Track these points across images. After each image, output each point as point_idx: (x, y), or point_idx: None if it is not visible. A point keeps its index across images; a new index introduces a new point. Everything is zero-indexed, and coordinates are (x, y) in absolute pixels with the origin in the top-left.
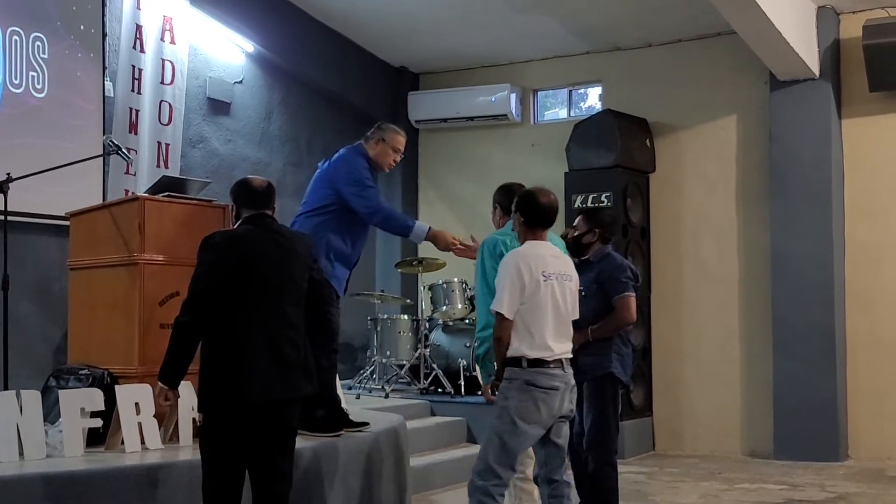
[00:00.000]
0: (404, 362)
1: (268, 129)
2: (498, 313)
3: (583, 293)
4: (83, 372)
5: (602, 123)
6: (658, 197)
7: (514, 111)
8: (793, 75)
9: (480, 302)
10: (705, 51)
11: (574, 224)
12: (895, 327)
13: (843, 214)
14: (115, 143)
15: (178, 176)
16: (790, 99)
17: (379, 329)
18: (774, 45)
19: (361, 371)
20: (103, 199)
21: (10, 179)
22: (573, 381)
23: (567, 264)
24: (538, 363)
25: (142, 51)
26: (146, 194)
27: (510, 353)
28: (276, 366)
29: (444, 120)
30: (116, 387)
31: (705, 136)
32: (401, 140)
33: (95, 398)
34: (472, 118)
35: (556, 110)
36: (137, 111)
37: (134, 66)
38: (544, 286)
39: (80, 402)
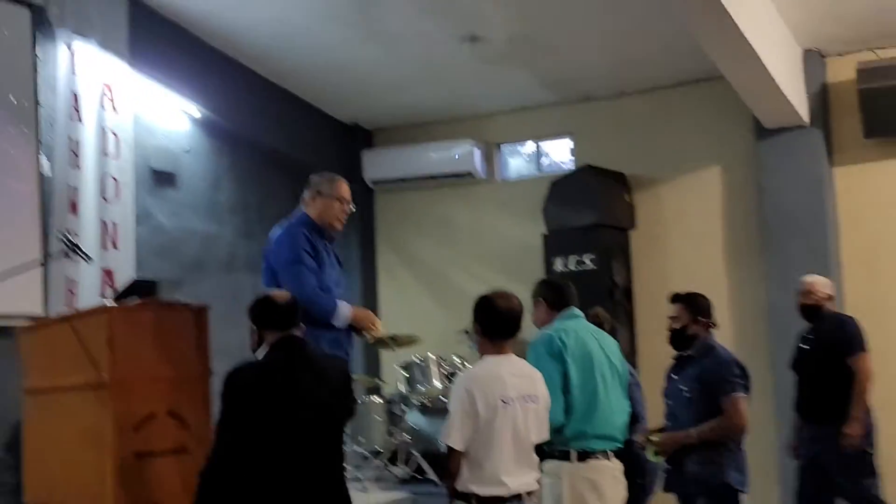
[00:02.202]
0: (380, 449)
1: (216, 198)
2: (446, 444)
3: (686, 394)
4: None
5: (580, 180)
6: (640, 255)
7: (478, 168)
8: (781, 123)
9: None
10: (683, 99)
11: (672, 314)
12: None
13: (840, 269)
14: (71, 239)
15: (149, 278)
16: (779, 148)
17: None
18: (765, 91)
19: None
20: (44, 294)
21: None
22: None
23: (534, 382)
24: (491, 501)
25: (80, 121)
26: (112, 303)
27: (459, 487)
28: None
29: (403, 179)
30: None
31: (687, 189)
32: (341, 186)
33: None
34: (433, 177)
35: (523, 166)
36: (76, 188)
37: (71, 138)
38: (502, 413)
39: None
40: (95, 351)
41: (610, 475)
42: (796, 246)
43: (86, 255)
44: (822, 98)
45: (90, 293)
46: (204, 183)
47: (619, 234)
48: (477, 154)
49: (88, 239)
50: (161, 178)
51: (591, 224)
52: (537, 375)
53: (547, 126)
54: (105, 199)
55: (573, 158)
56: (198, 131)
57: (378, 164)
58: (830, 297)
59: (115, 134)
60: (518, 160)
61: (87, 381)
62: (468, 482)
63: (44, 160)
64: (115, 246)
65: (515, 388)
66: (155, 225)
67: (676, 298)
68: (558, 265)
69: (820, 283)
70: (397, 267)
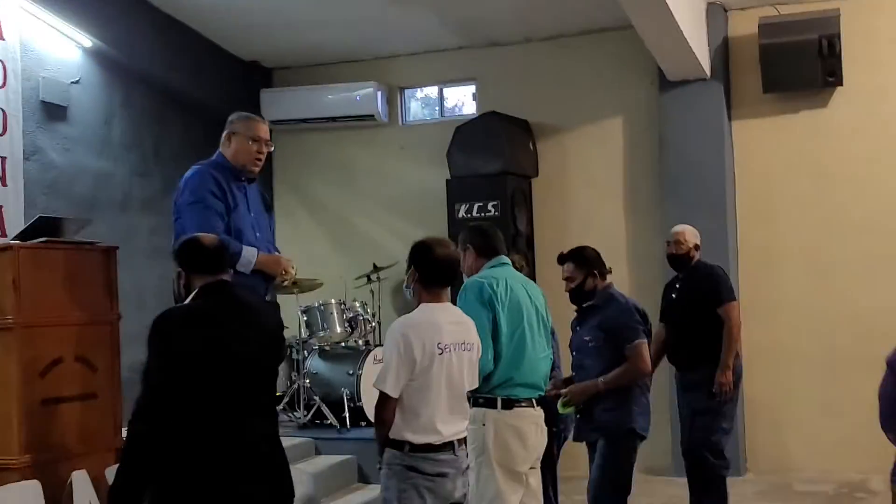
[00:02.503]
0: (279, 393)
1: (109, 135)
2: (381, 392)
3: (591, 344)
4: None
5: (486, 126)
6: (542, 203)
7: (380, 111)
8: (684, 75)
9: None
10: (590, 47)
11: (566, 274)
12: (792, 334)
13: (736, 220)
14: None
15: (54, 215)
16: (681, 100)
17: None
18: (672, 43)
19: None
20: None
21: None
22: (466, 464)
23: (468, 330)
24: (423, 448)
25: None
26: (16, 241)
27: (392, 434)
28: (259, 476)
29: (304, 120)
30: (2, 488)
31: (590, 139)
32: (256, 126)
33: None
34: (334, 118)
35: (425, 110)
36: None
37: None
38: (438, 361)
39: None
40: None
41: (533, 422)
42: (695, 196)
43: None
44: (723, 52)
45: None
46: (97, 118)
47: (523, 181)
48: (379, 97)
49: None
50: (51, 111)
51: (495, 171)
52: (471, 323)
53: (451, 70)
54: None
55: (476, 104)
56: (89, 62)
57: (277, 105)
58: (698, 247)
59: (2, 62)
60: (420, 105)
61: None
62: (402, 430)
63: None
64: (3, 182)
65: (452, 335)
66: (46, 161)
67: (564, 258)
68: (461, 211)
69: (689, 233)
70: (296, 209)
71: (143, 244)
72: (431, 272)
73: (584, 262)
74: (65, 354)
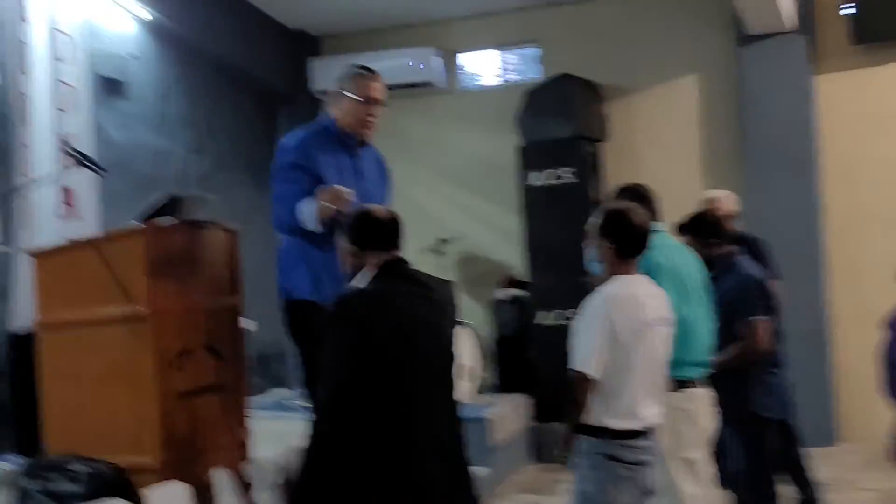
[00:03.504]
0: None
1: (167, 110)
2: (578, 372)
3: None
4: (74, 467)
5: (557, 89)
6: (613, 169)
7: (438, 77)
8: (766, 28)
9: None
10: (658, 4)
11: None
12: (880, 298)
13: (821, 181)
14: (79, 150)
15: (179, 194)
16: (762, 55)
17: None
18: None
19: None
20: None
21: None
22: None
23: (665, 304)
24: (624, 435)
25: (26, 20)
26: (141, 223)
27: (588, 420)
28: (450, 477)
29: None
30: (149, 492)
31: (662, 99)
32: (369, 84)
33: None
34: (388, 87)
35: (485, 75)
36: (25, 96)
37: (20, 40)
38: (641, 338)
39: None
40: (128, 279)
41: (705, 404)
42: (777, 157)
43: (98, 166)
44: (807, 2)
45: (46, 216)
46: (153, 93)
47: (594, 146)
48: (437, 62)
49: (42, 154)
50: (110, 87)
51: (569, 136)
52: (665, 296)
53: (511, 33)
54: (60, 108)
55: (540, 67)
56: (146, 36)
57: (327, 74)
58: (734, 214)
59: (67, 34)
60: (480, 69)
61: (120, 313)
62: (601, 415)
63: None
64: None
65: (653, 310)
66: (105, 138)
67: (682, 228)
68: (535, 179)
69: (724, 199)
70: None
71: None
72: (630, 242)
73: (703, 229)
74: (194, 344)
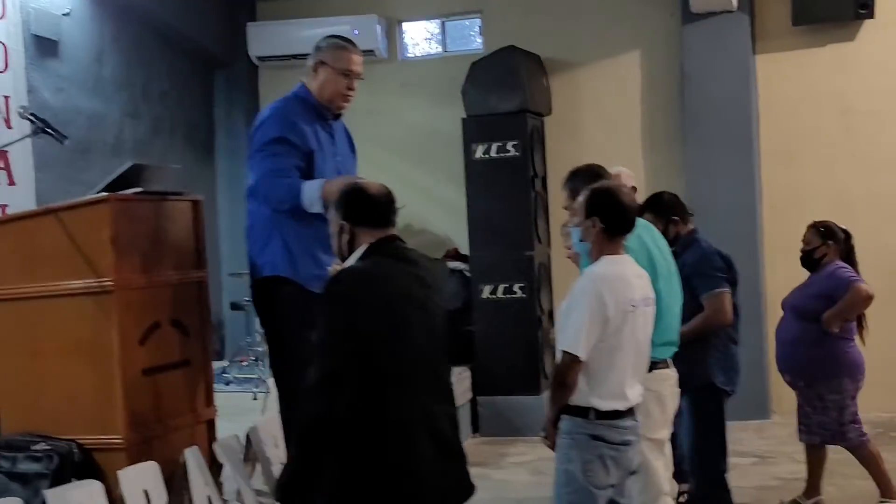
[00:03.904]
0: None
1: (100, 72)
2: (567, 353)
3: None
4: (38, 447)
5: (503, 62)
6: (555, 143)
7: (381, 46)
8: (709, 7)
9: None
10: None
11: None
12: None
13: (761, 158)
14: (38, 116)
15: (145, 163)
16: (705, 33)
17: None
18: None
19: (243, 362)
20: None
21: None
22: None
23: (649, 283)
24: (610, 415)
25: None
26: (105, 192)
27: (574, 400)
28: (443, 460)
29: (294, 56)
30: (121, 473)
31: (606, 75)
32: (349, 56)
33: (95, 494)
34: None
35: (425, 45)
36: None
37: None
38: (629, 318)
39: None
40: (93, 251)
41: (671, 385)
42: (718, 134)
43: (60, 133)
44: None
45: None
46: (87, 54)
47: (538, 119)
48: (379, 30)
49: None
50: (43, 46)
51: (515, 109)
52: (647, 275)
53: (454, 3)
54: None
55: (482, 38)
56: None
57: (265, 40)
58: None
59: None
60: (421, 39)
61: (85, 286)
62: (587, 395)
63: None
64: (7, 124)
65: (640, 289)
66: (39, 101)
67: (642, 209)
68: (479, 152)
69: (625, 175)
70: None
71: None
72: (619, 221)
73: (662, 209)
74: (161, 318)
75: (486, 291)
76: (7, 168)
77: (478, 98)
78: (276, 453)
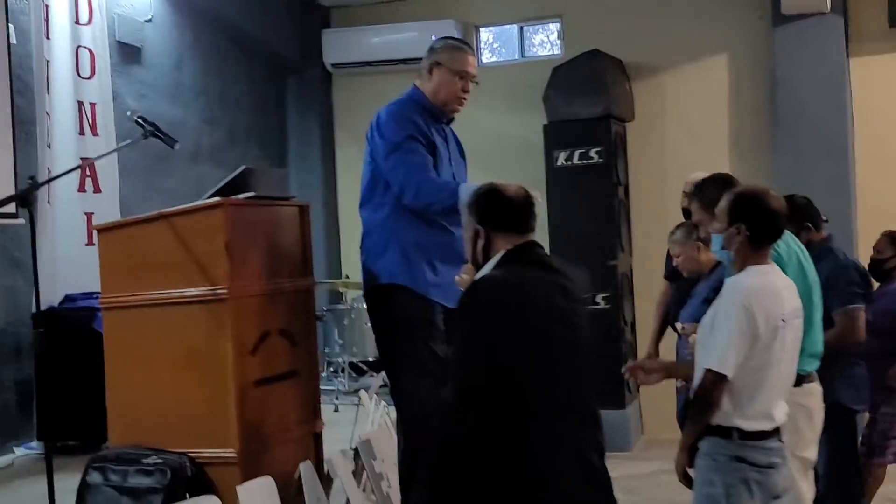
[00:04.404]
0: (372, 359)
1: (180, 79)
2: (713, 372)
3: None
4: (149, 460)
5: (587, 67)
6: (639, 150)
7: None
8: (801, 9)
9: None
10: None
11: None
12: None
13: (855, 165)
14: (148, 120)
15: (255, 167)
16: (797, 36)
17: (343, 321)
18: None
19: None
20: (14, 184)
21: None
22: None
23: (796, 293)
24: (755, 436)
25: None
26: (218, 198)
27: (715, 420)
28: (591, 490)
29: (369, 63)
30: (240, 488)
31: (691, 79)
32: (464, 57)
33: None
34: (404, 60)
35: (502, 50)
36: (48, 62)
37: (41, 2)
38: (780, 334)
39: None
40: (206, 257)
41: (818, 400)
42: (810, 140)
43: (170, 137)
44: None
45: (63, 188)
46: (168, 60)
47: (620, 125)
48: (457, 35)
49: (61, 123)
50: (127, 53)
51: (598, 115)
52: (794, 285)
53: (532, 7)
54: (80, 75)
55: (562, 43)
56: (160, 1)
57: (339, 46)
58: None
59: None
60: (499, 44)
61: (199, 294)
62: (731, 415)
63: (11, 27)
64: (93, 132)
65: (789, 301)
66: (123, 108)
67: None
68: (561, 159)
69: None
70: (360, 160)
71: None
72: (767, 228)
73: (794, 214)
74: (270, 328)
75: None
76: (94, 176)
77: (560, 104)
78: (384, 468)
